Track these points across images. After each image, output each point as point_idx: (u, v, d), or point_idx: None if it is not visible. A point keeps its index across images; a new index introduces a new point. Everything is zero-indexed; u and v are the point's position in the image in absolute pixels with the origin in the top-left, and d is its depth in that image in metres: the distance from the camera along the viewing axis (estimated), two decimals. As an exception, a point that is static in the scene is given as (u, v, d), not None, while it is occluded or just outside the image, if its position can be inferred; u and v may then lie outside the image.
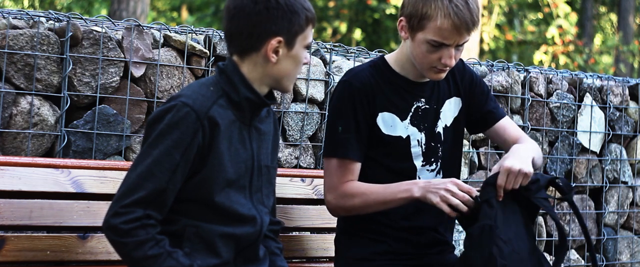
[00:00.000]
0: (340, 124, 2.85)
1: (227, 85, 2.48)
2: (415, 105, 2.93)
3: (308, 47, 2.54)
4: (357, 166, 2.87)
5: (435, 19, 2.75)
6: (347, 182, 2.86)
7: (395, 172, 2.90)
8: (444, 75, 2.86)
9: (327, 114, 2.95)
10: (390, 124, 2.89)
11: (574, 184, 4.69)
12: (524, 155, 2.81)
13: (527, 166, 2.76)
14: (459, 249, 4.24)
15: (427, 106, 2.94)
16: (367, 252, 2.90)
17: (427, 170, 2.94)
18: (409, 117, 2.91)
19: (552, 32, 16.04)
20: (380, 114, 2.88)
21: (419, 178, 2.92)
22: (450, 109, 2.99)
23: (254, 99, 2.50)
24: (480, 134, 4.32)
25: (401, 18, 2.85)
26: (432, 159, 2.95)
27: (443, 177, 2.96)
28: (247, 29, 2.47)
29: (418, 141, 2.92)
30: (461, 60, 3.03)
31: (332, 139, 2.88)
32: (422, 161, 2.93)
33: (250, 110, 2.51)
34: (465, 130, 3.09)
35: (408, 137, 2.91)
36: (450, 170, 2.99)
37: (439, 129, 2.97)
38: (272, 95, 2.59)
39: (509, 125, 3.07)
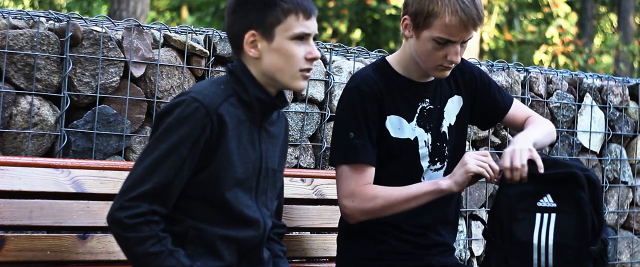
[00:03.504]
0: (351, 130, 2.82)
1: (237, 85, 2.48)
2: (420, 106, 2.92)
3: (299, 38, 2.46)
4: (373, 170, 2.84)
5: (442, 16, 2.75)
6: (366, 185, 2.82)
7: (400, 175, 2.89)
8: (448, 73, 2.86)
9: (335, 120, 2.91)
10: (397, 127, 2.88)
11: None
12: (518, 147, 2.77)
13: (517, 160, 2.73)
14: (459, 249, 4.25)
15: (431, 106, 2.94)
16: (374, 251, 2.90)
17: (431, 170, 2.94)
18: (415, 119, 2.91)
19: (552, 32, 16.04)
20: (388, 118, 2.87)
21: (423, 179, 2.91)
22: (453, 108, 3.00)
23: (265, 98, 2.48)
24: (480, 134, 4.32)
25: (405, 17, 2.84)
26: (437, 159, 2.95)
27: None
28: (230, 29, 2.50)
29: (425, 141, 2.92)
30: (462, 60, 3.03)
31: (343, 145, 2.84)
32: (428, 161, 2.93)
33: (261, 111, 2.50)
34: (468, 128, 3.09)
35: (416, 138, 2.90)
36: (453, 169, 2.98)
37: (444, 128, 2.97)
38: (283, 97, 2.57)
39: (517, 111, 3.08)
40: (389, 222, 2.88)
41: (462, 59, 3.02)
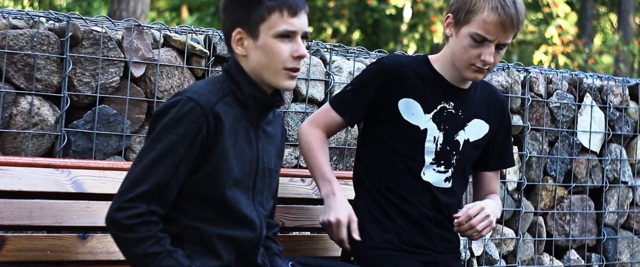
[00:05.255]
0: (351, 85, 3.00)
1: (232, 84, 2.48)
2: (442, 104, 2.96)
3: (285, 35, 2.45)
4: (340, 126, 3.03)
5: (482, 12, 2.82)
6: (323, 130, 3.01)
7: (403, 157, 2.94)
8: (482, 76, 2.91)
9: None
10: (412, 111, 2.93)
11: (574, 184, 4.69)
12: (493, 217, 2.91)
13: (494, 218, 2.90)
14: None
15: (453, 111, 2.98)
16: (377, 240, 2.91)
17: (434, 170, 2.96)
18: (432, 113, 2.95)
19: (551, 32, 16.04)
20: (404, 99, 2.93)
21: (423, 174, 2.94)
22: (479, 128, 3.03)
23: (260, 97, 2.48)
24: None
25: (448, 15, 2.92)
26: (442, 162, 2.97)
27: (452, 187, 3.01)
28: (222, 27, 2.52)
29: (434, 137, 2.95)
30: (503, 97, 3.12)
31: (338, 94, 3.05)
32: (433, 159, 2.95)
33: (257, 110, 2.50)
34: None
35: (425, 130, 2.94)
36: (459, 184, 3.04)
37: (460, 138, 3.00)
38: (280, 95, 2.56)
39: (494, 180, 3.18)
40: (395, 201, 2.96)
41: (505, 99, 3.12)
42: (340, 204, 2.85)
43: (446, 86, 2.96)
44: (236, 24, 2.47)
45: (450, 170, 2.98)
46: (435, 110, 2.95)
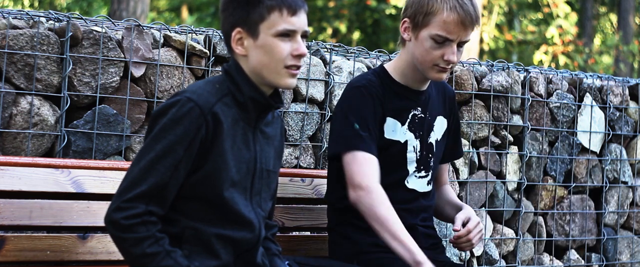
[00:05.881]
0: (356, 122, 2.85)
1: (231, 85, 2.48)
2: (412, 112, 2.99)
3: (284, 35, 2.45)
4: (378, 164, 2.84)
5: (440, 13, 2.83)
6: (377, 180, 2.80)
7: (388, 172, 2.92)
8: (445, 76, 2.92)
9: (335, 114, 2.94)
10: (392, 128, 2.95)
11: (574, 184, 4.69)
12: (480, 228, 2.98)
13: (476, 239, 2.96)
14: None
15: (422, 115, 3.01)
16: (365, 244, 2.92)
17: (416, 176, 3.01)
18: (407, 123, 2.97)
19: (552, 32, 16.05)
20: (386, 119, 2.94)
21: (408, 182, 2.98)
22: (442, 124, 3.09)
23: (259, 98, 2.48)
24: (480, 134, 4.32)
25: (404, 19, 2.91)
26: (422, 167, 3.02)
27: (432, 188, 3.06)
28: (221, 27, 2.51)
29: (414, 147, 2.99)
30: (453, 90, 3.16)
31: (349, 134, 2.84)
32: (415, 167, 3.00)
33: (255, 111, 2.50)
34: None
35: (406, 142, 2.97)
36: (433, 183, 3.11)
37: (432, 140, 3.05)
38: (279, 97, 2.56)
39: (446, 169, 3.24)
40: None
41: (449, 89, 3.14)
42: None
43: (410, 92, 2.98)
44: (235, 24, 2.47)
45: (430, 173, 3.04)
46: (408, 120, 2.98)
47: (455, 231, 2.92)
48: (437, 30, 2.84)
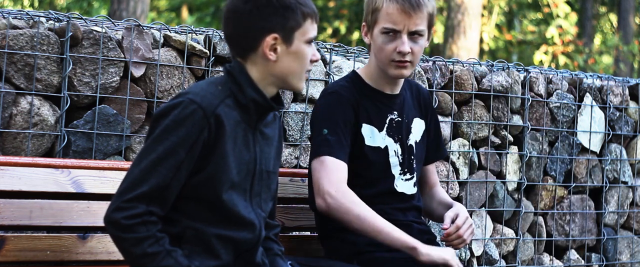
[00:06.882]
0: (325, 127, 2.87)
1: (234, 86, 2.47)
2: (389, 117, 3.02)
3: (310, 42, 2.52)
4: (345, 168, 2.85)
5: (383, 6, 2.91)
6: (344, 183, 2.83)
7: (375, 179, 2.96)
8: (406, 72, 2.96)
9: (311, 124, 2.98)
10: (370, 135, 2.97)
11: (574, 184, 4.69)
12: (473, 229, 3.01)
13: (468, 236, 2.97)
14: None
15: (399, 119, 3.04)
16: (362, 244, 2.92)
17: (402, 179, 3.03)
18: (385, 129, 3.00)
19: (552, 32, 16.04)
20: (363, 126, 2.96)
21: (397, 186, 3.00)
22: (420, 126, 3.11)
23: (261, 101, 2.48)
24: (481, 134, 4.32)
25: (363, 24, 3.01)
26: (406, 170, 3.04)
27: (418, 189, 3.08)
28: (242, 30, 2.48)
29: (395, 151, 3.02)
30: (429, 91, 3.15)
31: (318, 141, 2.87)
32: (400, 171, 3.02)
33: (256, 113, 2.50)
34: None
35: (387, 147, 3.00)
36: (420, 185, 3.13)
37: (411, 142, 3.07)
38: (280, 99, 2.57)
39: (433, 172, 3.24)
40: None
41: (430, 93, 3.12)
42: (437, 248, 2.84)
43: (384, 97, 3.01)
44: (272, 29, 2.46)
45: (414, 175, 3.06)
46: (386, 125, 3.00)
47: (444, 229, 2.93)
48: (384, 24, 2.90)
